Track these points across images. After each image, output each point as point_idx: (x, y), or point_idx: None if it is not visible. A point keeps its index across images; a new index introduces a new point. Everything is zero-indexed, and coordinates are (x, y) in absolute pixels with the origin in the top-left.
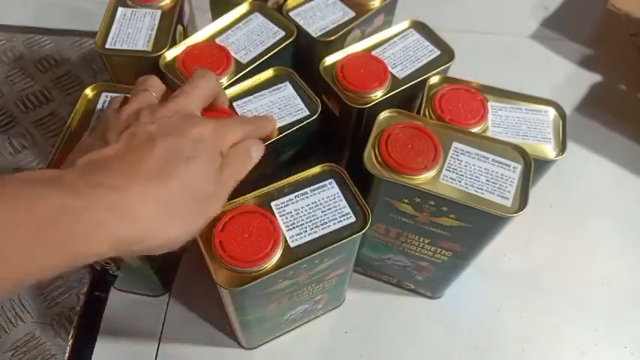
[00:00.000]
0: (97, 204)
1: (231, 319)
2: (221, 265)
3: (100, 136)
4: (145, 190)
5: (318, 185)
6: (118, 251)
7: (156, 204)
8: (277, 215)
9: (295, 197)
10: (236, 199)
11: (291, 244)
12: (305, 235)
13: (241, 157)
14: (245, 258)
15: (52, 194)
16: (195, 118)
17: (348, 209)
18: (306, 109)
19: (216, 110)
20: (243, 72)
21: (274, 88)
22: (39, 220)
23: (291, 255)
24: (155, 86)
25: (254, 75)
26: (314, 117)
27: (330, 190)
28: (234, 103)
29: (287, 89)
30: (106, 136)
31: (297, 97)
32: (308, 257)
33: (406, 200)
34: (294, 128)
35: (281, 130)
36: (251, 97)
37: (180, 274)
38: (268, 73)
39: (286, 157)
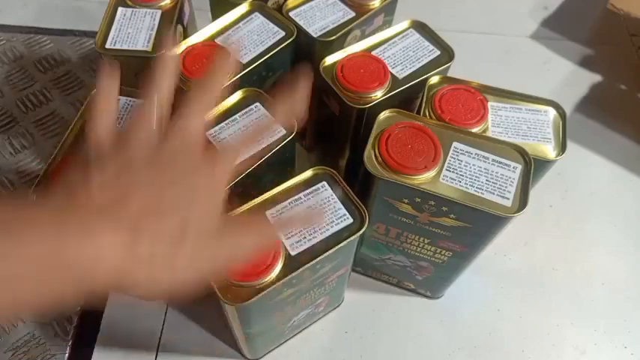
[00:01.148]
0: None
1: (234, 333)
2: (224, 282)
3: (84, 178)
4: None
5: (311, 189)
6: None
7: (133, 245)
8: None
9: (289, 204)
10: (229, 213)
11: (292, 253)
12: (305, 242)
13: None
14: (248, 272)
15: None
16: (194, 154)
17: (344, 210)
18: (282, 128)
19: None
20: (243, 72)
21: (245, 110)
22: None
23: (294, 263)
24: (165, 91)
25: (254, 76)
26: (292, 135)
27: (324, 192)
28: (208, 133)
29: (259, 110)
30: (91, 180)
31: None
32: (310, 264)
33: (406, 200)
34: (275, 149)
35: (260, 154)
36: (223, 124)
37: None
38: (237, 96)
39: (267, 180)
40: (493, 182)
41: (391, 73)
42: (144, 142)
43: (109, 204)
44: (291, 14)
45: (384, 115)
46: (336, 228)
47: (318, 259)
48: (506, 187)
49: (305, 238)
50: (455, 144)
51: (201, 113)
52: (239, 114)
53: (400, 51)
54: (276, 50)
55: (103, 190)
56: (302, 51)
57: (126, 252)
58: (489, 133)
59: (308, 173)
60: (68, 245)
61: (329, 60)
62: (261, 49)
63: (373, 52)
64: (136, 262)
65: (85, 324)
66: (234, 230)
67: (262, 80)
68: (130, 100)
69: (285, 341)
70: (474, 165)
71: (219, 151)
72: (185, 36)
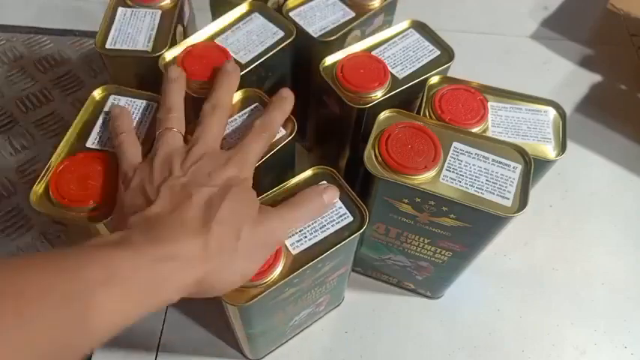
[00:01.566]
0: (161, 258)
1: (236, 333)
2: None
3: (140, 192)
4: (195, 241)
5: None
6: (189, 295)
7: (207, 249)
8: None
9: None
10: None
11: (293, 252)
12: (305, 241)
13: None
14: None
15: (124, 255)
16: (219, 160)
17: (344, 209)
18: (282, 129)
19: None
20: (243, 72)
21: (246, 111)
22: (119, 278)
23: (295, 263)
24: (177, 114)
25: (253, 76)
26: (292, 135)
27: None
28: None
29: (259, 111)
30: (146, 192)
31: None
32: (311, 263)
33: (406, 200)
34: (275, 149)
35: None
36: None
37: None
38: (237, 96)
39: (267, 180)
40: (493, 182)
41: (391, 73)
42: (172, 144)
43: (172, 205)
44: (290, 14)
45: (384, 115)
46: (337, 227)
47: (320, 258)
48: (506, 187)
49: (306, 237)
50: (455, 144)
51: (215, 130)
52: (239, 114)
53: (400, 51)
54: (275, 50)
55: (165, 207)
56: (302, 51)
57: (203, 251)
58: (489, 133)
59: (308, 173)
60: (167, 259)
61: (329, 60)
62: (261, 49)
63: (373, 52)
64: (211, 260)
65: None
66: (282, 205)
67: (262, 80)
68: (130, 101)
69: (286, 341)
70: (474, 165)
71: (235, 149)
72: (185, 36)
